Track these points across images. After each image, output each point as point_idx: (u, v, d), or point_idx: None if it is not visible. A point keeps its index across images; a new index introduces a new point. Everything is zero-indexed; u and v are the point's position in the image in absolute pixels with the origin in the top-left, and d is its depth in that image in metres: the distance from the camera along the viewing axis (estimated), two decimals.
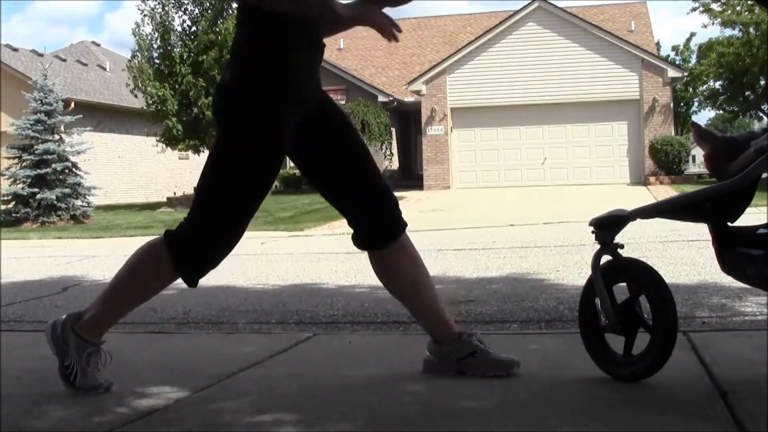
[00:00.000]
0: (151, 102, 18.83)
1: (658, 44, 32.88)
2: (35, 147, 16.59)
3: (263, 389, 2.34)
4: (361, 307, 4.27)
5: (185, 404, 2.23)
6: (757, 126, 31.88)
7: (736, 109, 32.88)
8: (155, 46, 19.14)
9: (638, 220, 2.26)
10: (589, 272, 2.31)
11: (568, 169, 21.07)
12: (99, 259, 8.25)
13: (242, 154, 2.20)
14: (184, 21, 19.41)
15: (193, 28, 19.16)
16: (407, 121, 25.77)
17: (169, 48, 18.94)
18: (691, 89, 36.08)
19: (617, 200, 13.36)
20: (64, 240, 12.40)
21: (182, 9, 19.38)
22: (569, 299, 4.09)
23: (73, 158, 17.08)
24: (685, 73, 26.00)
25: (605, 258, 2.29)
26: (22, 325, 4.08)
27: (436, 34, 29.00)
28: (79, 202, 16.77)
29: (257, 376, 2.54)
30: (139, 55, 19.19)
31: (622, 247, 2.28)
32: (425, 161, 21.87)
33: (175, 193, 22.75)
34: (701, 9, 27.88)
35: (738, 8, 26.95)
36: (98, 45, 31.36)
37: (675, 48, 40.47)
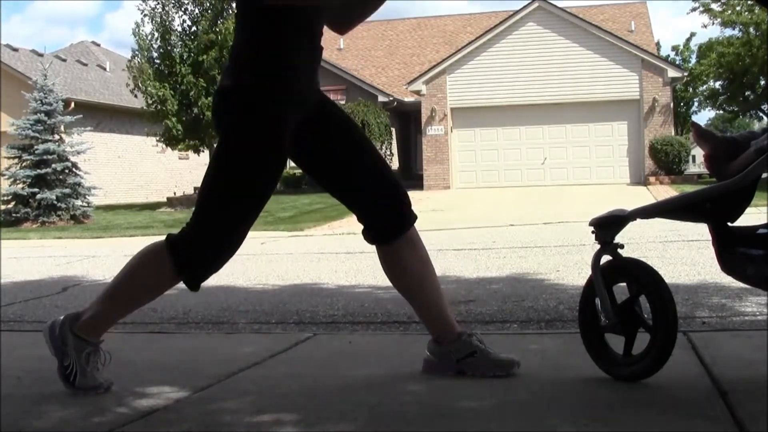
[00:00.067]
0: (151, 102, 18.84)
1: (658, 44, 32.89)
2: (35, 147, 16.59)
3: (263, 389, 2.34)
4: (361, 307, 4.27)
5: (185, 404, 2.23)
6: (757, 126, 31.89)
7: (736, 109, 32.89)
8: (155, 46, 19.15)
9: (638, 220, 2.26)
10: (589, 272, 2.31)
11: (568, 169, 21.07)
12: (99, 259, 8.25)
13: (243, 156, 2.20)
14: (184, 21, 19.43)
15: (194, 28, 19.17)
16: (407, 121, 25.77)
17: (169, 48, 18.95)
18: (691, 89, 36.07)
19: (617, 200, 13.37)
20: (64, 240, 12.41)
21: (182, 9, 19.39)
22: (569, 299, 4.09)
23: (73, 158, 17.09)
24: (685, 73, 26.00)
25: (605, 258, 2.29)
26: (22, 325, 4.08)
27: (436, 34, 29.01)
28: (79, 202, 16.78)
29: (257, 376, 2.54)
30: (139, 55, 19.20)
31: (622, 247, 2.28)
32: (425, 161, 21.87)
33: (175, 193, 22.76)
34: (701, 9, 27.90)
35: (738, 8, 26.95)
36: (98, 45, 31.38)
37: (675, 48, 40.48)
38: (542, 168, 21.25)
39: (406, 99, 24.28)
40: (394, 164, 24.89)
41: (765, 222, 2.13)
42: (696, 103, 38.52)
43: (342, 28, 2.41)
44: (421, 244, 2.41)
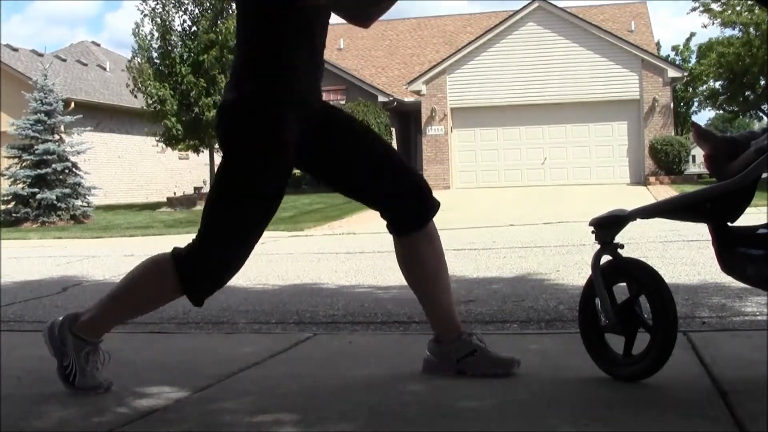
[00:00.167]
0: (151, 102, 18.84)
1: (658, 44, 32.88)
2: (35, 147, 16.60)
3: (263, 389, 2.34)
4: (361, 307, 4.27)
5: (185, 404, 2.23)
6: (757, 126, 31.88)
7: (736, 109, 32.88)
8: (155, 46, 19.15)
9: (638, 220, 2.26)
10: (589, 272, 2.31)
11: (568, 169, 21.07)
12: (99, 259, 8.25)
13: (247, 170, 2.18)
14: (184, 21, 19.43)
15: (194, 28, 19.17)
16: (407, 121, 25.76)
17: (169, 48, 18.95)
18: (691, 89, 36.06)
19: (617, 200, 13.37)
20: (64, 240, 12.40)
21: (182, 9, 19.39)
22: (569, 299, 4.09)
23: (73, 158, 17.10)
24: (685, 73, 25.99)
25: (605, 258, 2.29)
26: (22, 325, 4.08)
27: (436, 34, 29.00)
28: (79, 202, 16.78)
29: (257, 376, 2.54)
30: (139, 55, 19.20)
31: (622, 247, 2.28)
32: (425, 161, 21.87)
33: (175, 193, 22.76)
34: (701, 9, 27.90)
35: (738, 8, 26.95)
36: (98, 45, 31.38)
37: (675, 48, 40.46)
38: (542, 168, 21.25)
39: (406, 99, 24.27)
40: None
41: (765, 222, 2.13)
42: (696, 103, 38.52)
43: (364, 21, 2.38)
44: (439, 240, 2.40)
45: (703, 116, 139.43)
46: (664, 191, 16.37)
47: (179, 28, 19.33)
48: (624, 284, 2.28)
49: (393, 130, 24.44)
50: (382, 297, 4.66)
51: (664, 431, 1.83)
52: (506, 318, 3.79)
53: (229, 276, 2.25)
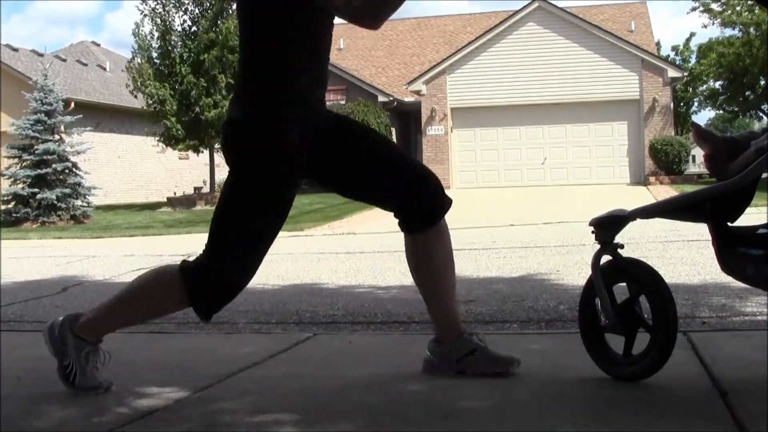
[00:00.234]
0: (151, 102, 18.84)
1: (658, 44, 32.88)
2: (35, 147, 16.60)
3: (263, 389, 2.35)
4: (361, 307, 4.27)
5: (185, 404, 2.23)
6: (757, 126, 31.87)
7: (736, 109, 32.88)
8: (155, 46, 19.14)
9: (638, 220, 2.26)
10: (589, 272, 2.31)
11: (568, 169, 21.07)
12: (99, 259, 8.25)
13: (255, 186, 2.17)
14: (184, 21, 19.43)
15: (194, 28, 19.16)
16: (407, 121, 25.76)
17: (169, 48, 18.94)
18: (691, 89, 36.06)
19: (617, 200, 13.36)
20: (64, 240, 12.40)
21: (182, 9, 19.38)
22: (569, 299, 4.09)
23: (73, 158, 17.10)
24: (685, 73, 25.99)
25: (605, 258, 2.29)
26: (22, 325, 4.08)
27: (436, 34, 29.00)
28: (79, 202, 16.79)
29: (257, 376, 2.54)
30: (139, 55, 19.19)
31: (622, 247, 2.29)
32: (425, 161, 21.82)
33: (175, 193, 22.76)
34: (701, 9, 27.89)
35: (738, 8, 26.94)
36: (98, 45, 31.37)
37: (675, 48, 40.44)
38: (542, 168, 21.25)
39: (406, 99, 24.27)
40: None
41: (765, 222, 2.13)
42: (696, 103, 38.52)
43: (373, 22, 2.38)
44: (449, 239, 2.40)
45: (703, 116, 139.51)
46: (664, 191, 16.36)
47: (179, 28, 19.32)
48: (624, 284, 2.28)
49: (393, 130, 24.44)
50: (382, 297, 4.66)
51: (664, 431, 1.83)
52: (506, 318, 3.79)
53: (237, 290, 2.25)
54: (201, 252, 2.24)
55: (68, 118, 17.43)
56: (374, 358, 2.75)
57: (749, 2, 25.01)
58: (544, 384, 2.26)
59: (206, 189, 21.16)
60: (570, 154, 21.09)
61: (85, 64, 27.30)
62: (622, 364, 2.25)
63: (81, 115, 18.60)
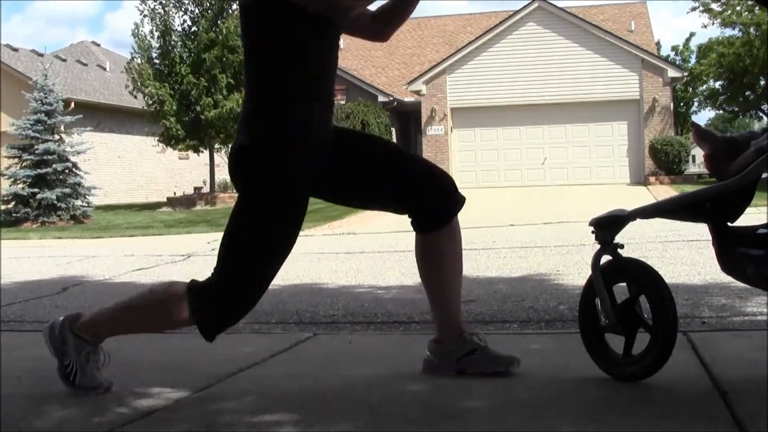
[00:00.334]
0: (151, 102, 18.84)
1: (658, 44, 32.87)
2: (35, 147, 16.60)
3: (263, 389, 2.35)
4: (361, 307, 4.28)
5: (185, 404, 2.23)
6: (757, 126, 31.86)
7: (736, 109, 32.87)
8: (155, 46, 19.14)
9: (638, 220, 2.26)
10: (589, 272, 2.31)
11: (568, 169, 21.07)
12: (99, 259, 8.25)
13: (264, 212, 2.17)
14: (184, 21, 19.42)
15: (194, 28, 19.16)
16: (407, 121, 25.77)
17: (169, 48, 18.94)
18: (691, 89, 36.06)
19: (617, 200, 13.36)
20: (64, 240, 12.40)
21: (182, 9, 19.37)
22: (569, 299, 4.09)
23: (73, 158, 17.09)
24: (685, 73, 25.99)
25: (605, 258, 2.29)
26: (22, 325, 4.08)
27: (436, 34, 29.00)
28: (79, 202, 16.78)
29: (257, 376, 2.54)
30: (139, 56, 19.19)
31: (622, 247, 2.29)
32: None
33: (175, 193, 22.76)
34: (701, 9, 27.88)
35: (738, 8, 26.94)
36: (98, 45, 31.37)
37: (675, 48, 40.44)
38: (542, 168, 21.25)
39: (406, 99, 24.27)
40: None
41: (765, 222, 2.13)
42: (696, 103, 38.52)
43: (382, 36, 2.40)
44: (460, 239, 2.40)
45: (703, 116, 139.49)
46: (664, 191, 16.36)
47: (179, 28, 19.32)
48: (624, 284, 2.28)
49: (393, 130, 24.45)
50: (382, 297, 4.66)
51: (664, 431, 1.83)
52: (506, 318, 3.79)
53: (244, 314, 2.25)
54: (210, 273, 2.23)
55: (68, 118, 17.43)
56: (374, 358, 2.75)
57: (749, 2, 25.00)
58: (544, 384, 2.26)
59: (206, 189, 21.15)
60: (570, 154, 21.09)
61: (85, 64, 27.30)
62: (622, 364, 2.25)
63: (81, 115, 18.60)
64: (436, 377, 2.38)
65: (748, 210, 2.13)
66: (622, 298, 2.27)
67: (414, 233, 2.40)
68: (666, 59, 28.57)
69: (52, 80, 17.62)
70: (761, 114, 33.13)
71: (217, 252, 2.25)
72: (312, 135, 2.21)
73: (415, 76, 22.98)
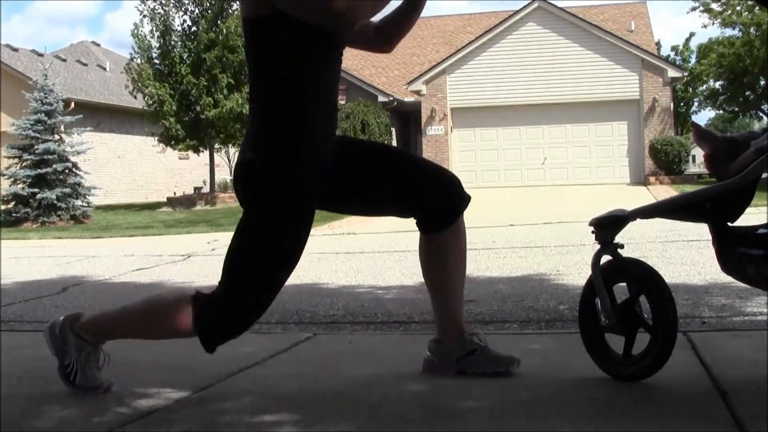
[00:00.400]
0: (151, 102, 18.83)
1: (658, 44, 32.87)
2: (35, 147, 16.60)
3: (263, 389, 2.35)
4: (361, 307, 4.28)
5: (185, 404, 2.23)
6: (757, 126, 31.86)
7: (736, 109, 32.86)
8: (155, 46, 19.13)
9: (638, 220, 2.26)
10: (589, 272, 2.31)
11: (568, 169, 21.06)
12: (99, 259, 8.25)
13: (269, 228, 2.16)
14: (184, 21, 19.41)
15: (194, 28, 19.15)
16: (407, 121, 25.76)
17: (169, 48, 18.93)
18: (691, 89, 36.05)
19: (617, 200, 13.36)
20: (64, 240, 12.40)
21: (182, 9, 19.37)
22: (569, 299, 4.09)
23: (73, 158, 17.09)
24: (685, 73, 25.98)
25: (605, 258, 2.29)
26: (22, 325, 4.08)
27: (436, 34, 28.99)
28: (79, 202, 16.78)
29: (257, 376, 2.54)
30: (139, 56, 19.18)
31: (622, 247, 2.29)
32: None
33: (175, 193, 22.75)
34: (701, 9, 27.87)
35: (738, 8, 26.93)
36: (98, 45, 31.37)
37: (675, 48, 40.43)
38: (542, 168, 21.25)
39: (406, 99, 24.27)
40: None
41: (765, 222, 2.13)
42: (696, 103, 38.51)
43: (387, 47, 2.40)
44: (465, 239, 2.40)
45: (703, 116, 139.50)
46: (664, 191, 16.36)
47: (179, 28, 19.31)
48: (624, 284, 2.28)
49: (393, 130, 24.45)
50: (382, 297, 4.66)
51: (663, 431, 1.83)
52: (506, 318, 3.79)
53: (247, 327, 2.25)
54: (216, 286, 2.23)
55: (68, 118, 17.42)
56: (374, 358, 2.75)
57: (749, 2, 25.00)
58: (544, 384, 2.26)
59: (206, 189, 21.15)
60: (570, 154, 21.09)
61: (85, 64, 27.30)
62: (622, 364, 2.25)
63: (81, 115, 18.60)
64: (436, 377, 2.38)
65: (748, 210, 2.13)
66: (622, 298, 2.27)
67: (417, 233, 2.40)
68: (666, 59, 28.57)
69: (52, 80, 17.61)
70: (761, 114, 33.11)
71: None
72: (318, 149, 2.21)
73: (415, 76, 22.97)
